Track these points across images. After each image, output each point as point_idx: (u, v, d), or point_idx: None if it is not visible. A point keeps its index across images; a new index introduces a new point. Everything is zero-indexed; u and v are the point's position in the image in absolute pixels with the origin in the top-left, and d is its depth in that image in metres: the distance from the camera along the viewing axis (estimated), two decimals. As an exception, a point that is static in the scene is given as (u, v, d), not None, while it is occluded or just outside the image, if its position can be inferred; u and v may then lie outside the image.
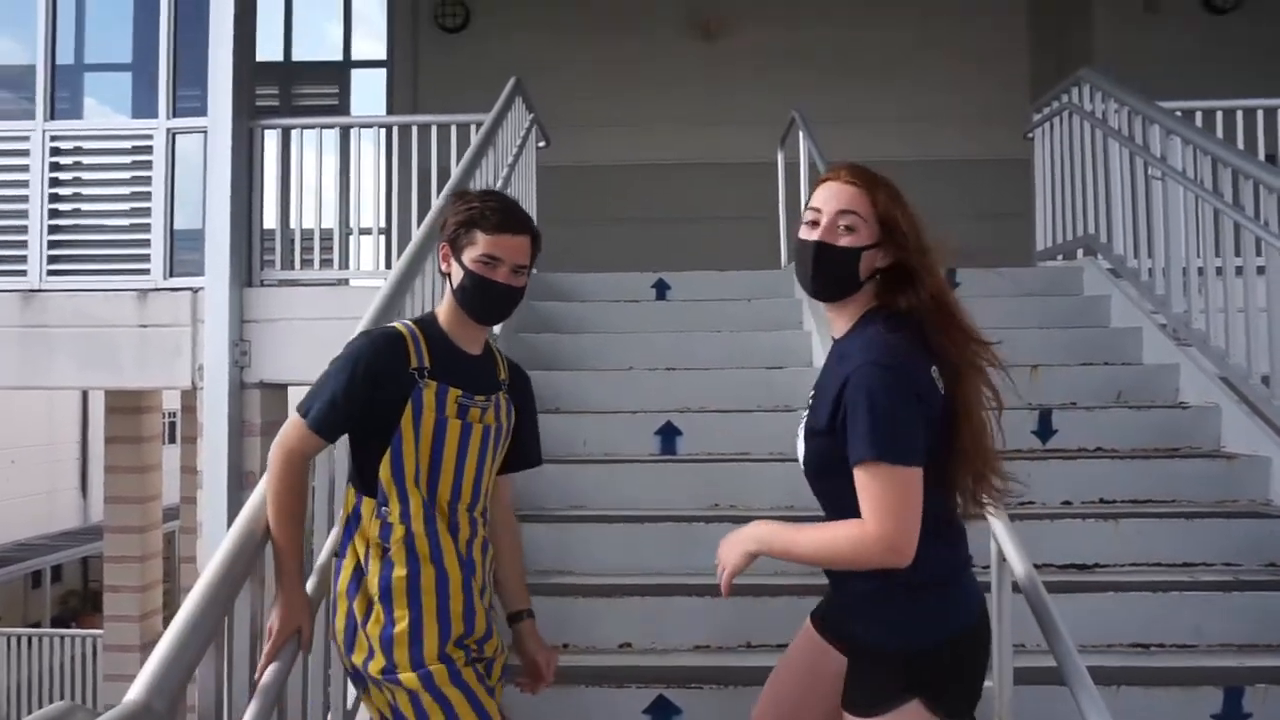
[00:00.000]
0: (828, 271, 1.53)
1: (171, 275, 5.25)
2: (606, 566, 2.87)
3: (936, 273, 1.52)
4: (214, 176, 5.01)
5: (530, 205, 5.02)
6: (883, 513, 1.41)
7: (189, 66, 5.43)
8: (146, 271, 5.24)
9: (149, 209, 5.25)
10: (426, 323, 1.80)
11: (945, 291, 1.53)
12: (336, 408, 1.67)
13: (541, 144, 5.30)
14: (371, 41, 9.38)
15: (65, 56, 5.88)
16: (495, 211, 1.73)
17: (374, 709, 1.74)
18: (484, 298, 1.73)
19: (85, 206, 5.35)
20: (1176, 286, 3.73)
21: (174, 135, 5.32)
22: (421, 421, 1.67)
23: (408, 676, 1.66)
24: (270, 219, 5.29)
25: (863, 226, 1.51)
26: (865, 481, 1.42)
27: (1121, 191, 4.22)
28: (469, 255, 1.72)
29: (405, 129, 5.28)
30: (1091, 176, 4.46)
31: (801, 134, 4.49)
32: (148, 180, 5.27)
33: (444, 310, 1.80)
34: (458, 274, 1.74)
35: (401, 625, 1.66)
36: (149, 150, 5.29)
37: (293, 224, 5.20)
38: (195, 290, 5.13)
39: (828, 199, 1.54)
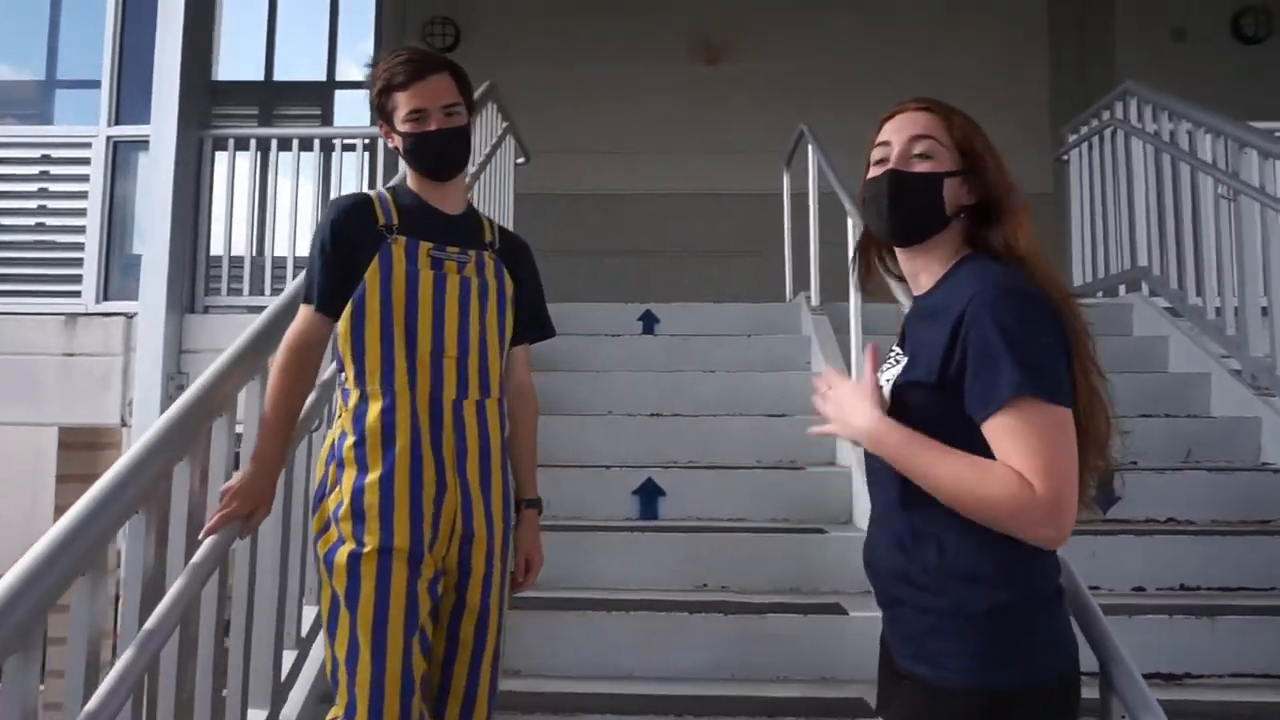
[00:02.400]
0: (907, 204, 1.26)
1: (105, 299, 4.71)
2: (563, 667, 2.27)
3: (1025, 219, 1.26)
4: (155, 189, 4.49)
5: (507, 225, 4.48)
6: (1045, 466, 1.09)
7: (143, 78, 4.95)
8: (77, 294, 4.70)
9: (83, 226, 4.72)
10: (397, 187, 1.77)
11: (1035, 245, 1.26)
12: (319, 275, 1.65)
13: (521, 160, 4.78)
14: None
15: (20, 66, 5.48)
16: (402, 65, 1.66)
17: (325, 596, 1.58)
18: (428, 151, 1.68)
19: (10, 221, 4.81)
20: (1255, 326, 3.16)
21: (116, 144, 4.82)
22: (393, 275, 1.61)
23: (342, 553, 1.53)
24: (220, 240, 4.75)
25: (941, 152, 1.26)
26: (1013, 427, 1.11)
27: (1176, 217, 3.67)
28: (398, 119, 1.67)
29: (373, 143, 4.79)
30: (1143, 201, 3.91)
31: (810, 149, 3.96)
32: (84, 195, 4.75)
33: (410, 178, 1.76)
34: (398, 141, 1.70)
35: (345, 500, 1.56)
36: (86, 162, 4.78)
37: (241, 247, 4.65)
38: (130, 316, 4.58)
39: (897, 129, 1.29)
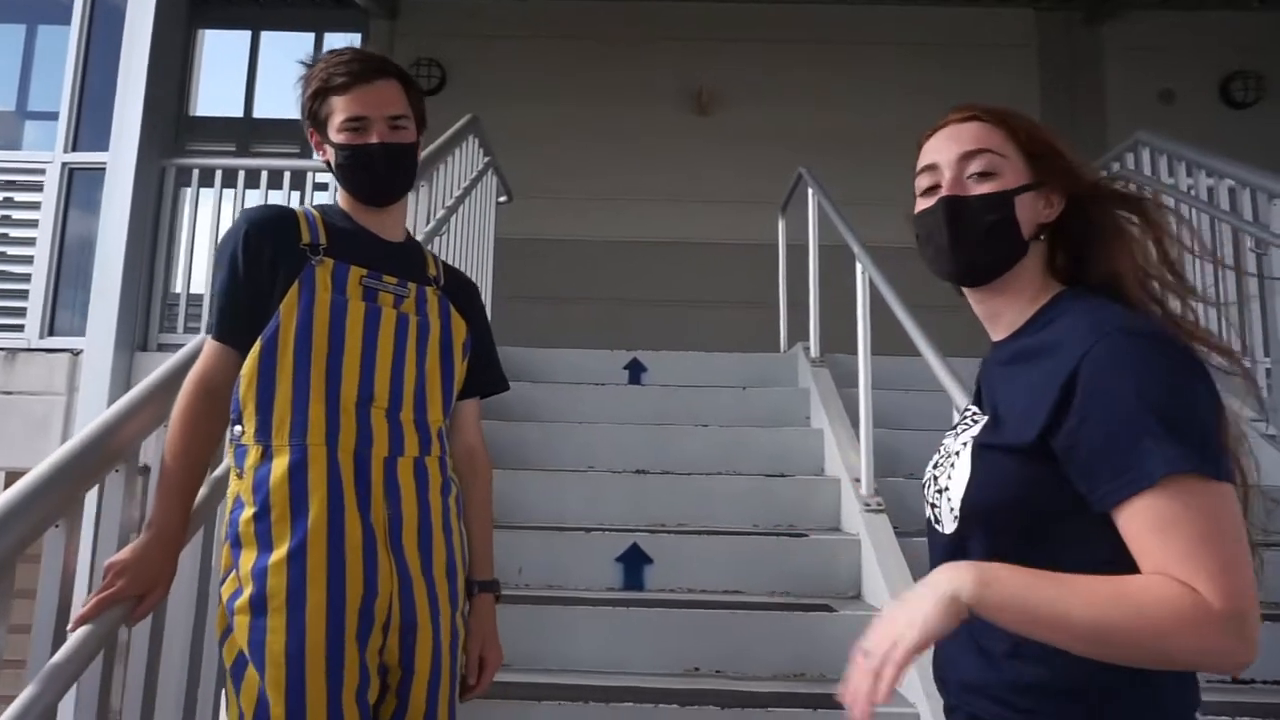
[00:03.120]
0: (973, 236, 1.00)
1: (51, 334, 4.39)
2: (531, 769, 1.93)
3: (1154, 211, 1.00)
4: (109, 217, 4.21)
5: (486, 270, 4.23)
6: (1223, 564, 0.79)
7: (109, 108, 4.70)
8: (20, 328, 4.37)
9: (29, 256, 4.42)
10: (327, 206, 1.50)
11: (1159, 265, 0.98)
12: (227, 300, 1.36)
13: (503, 199, 4.54)
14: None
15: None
16: (343, 65, 1.39)
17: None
18: (365, 167, 1.39)
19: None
20: (1292, 388, 2.94)
21: (72, 172, 4.54)
22: (315, 304, 1.33)
23: (252, 667, 1.22)
24: (181, 274, 4.46)
25: (1003, 165, 1.01)
26: (1170, 517, 0.81)
27: (1198, 271, 3.46)
28: (333, 128, 1.40)
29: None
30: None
31: (810, 191, 3.75)
32: (29, 224, 4.45)
33: (341, 198, 1.48)
34: (330, 154, 1.42)
35: (245, 589, 1.25)
36: (39, 187, 4.50)
37: (203, 284, 4.36)
38: (75, 353, 4.26)
39: (941, 147, 1.04)
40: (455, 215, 3.68)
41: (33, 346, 4.33)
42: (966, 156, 1.01)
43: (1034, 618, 0.82)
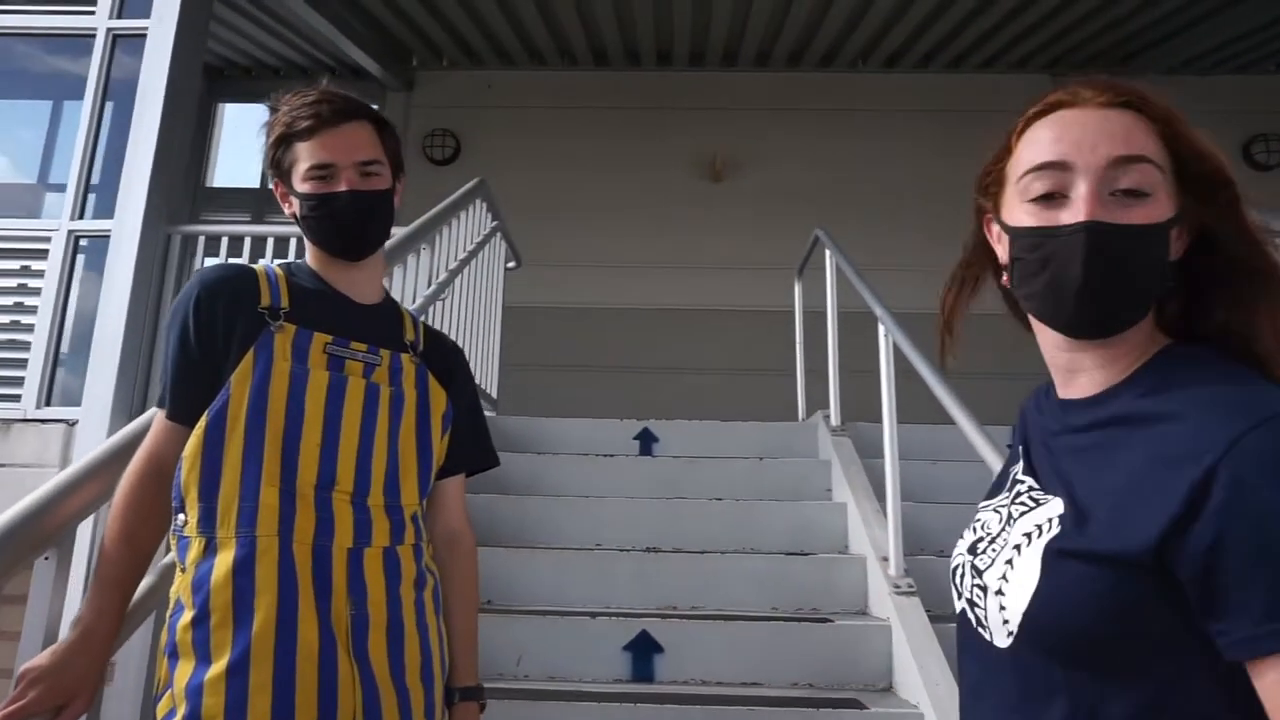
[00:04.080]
0: (1115, 278, 0.73)
1: (48, 404, 4.27)
2: None
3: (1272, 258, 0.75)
4: (111, 285, 4.14)
5: (494, 337, 4.11)
6: None
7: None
8: (16, 399, 4.26)
9: (32, 324, 4.34)
10: (295, 263, 1.36)
11: None
12: (179, 374, 1.22)
13: (512, 264, 4.45)
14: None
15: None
16: (308, 109, 1.26)
17: None
18: (333, 219, 1.27)
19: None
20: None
21: (77, 239, 4.49)
22: (271, 374, 1.19)
23: None
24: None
25: (1158, 182, 0.73)
26: None
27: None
28: (297, 177, 1.28)
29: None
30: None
31: (828, 253, 3.62)
32: (37, 291, 4.39)
33: (309, 255, 1.35)
34: (295, 206, 1.30)
35: (179, 709, 1.08)
36: (44, 255, 4.44)
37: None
38: (71, 423, 4.14)
39: (1083, 140, 0.75)
40: (461, 280, 3.58)
41: (29, 417, 4.21)
42: (1119, 163, 0.73)
43: None
